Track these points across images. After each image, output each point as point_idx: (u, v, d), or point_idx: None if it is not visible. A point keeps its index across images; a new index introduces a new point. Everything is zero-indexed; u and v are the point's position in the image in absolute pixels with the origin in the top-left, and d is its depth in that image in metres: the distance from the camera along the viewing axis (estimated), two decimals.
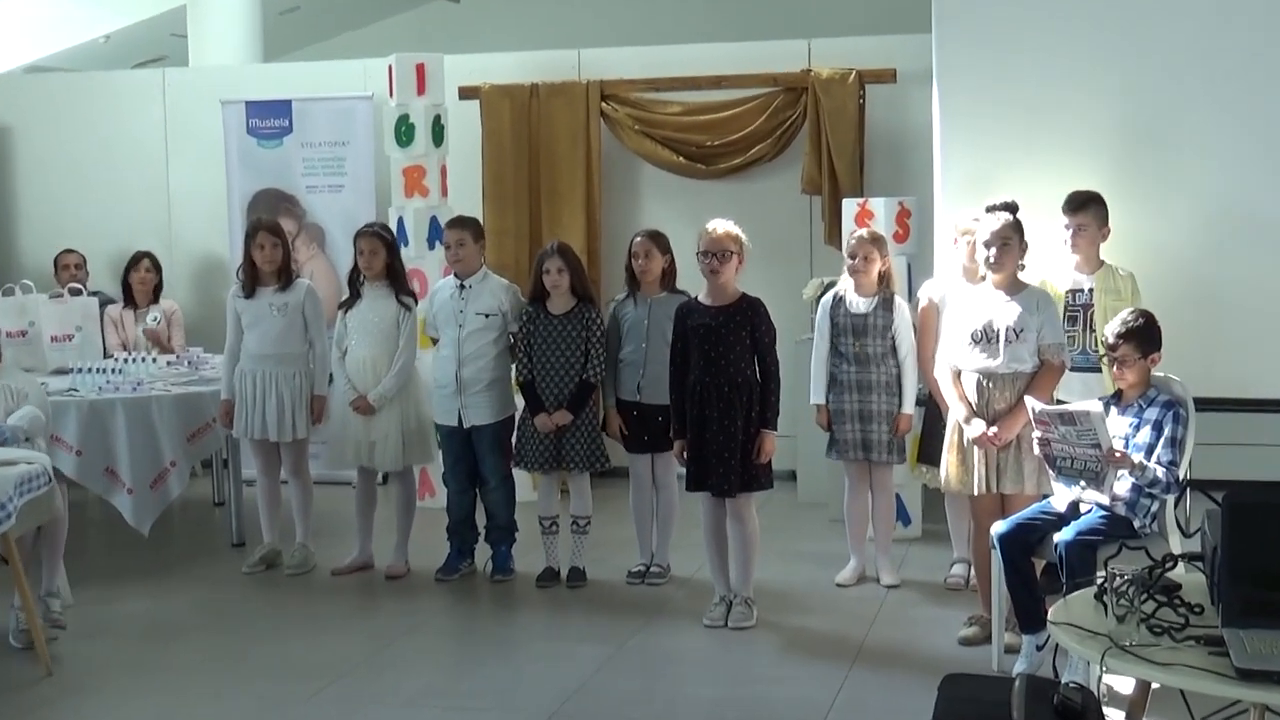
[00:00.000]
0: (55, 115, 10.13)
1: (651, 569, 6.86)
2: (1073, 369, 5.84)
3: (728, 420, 6.02)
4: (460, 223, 6.93)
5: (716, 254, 6.07)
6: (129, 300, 8.97)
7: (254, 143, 9.41)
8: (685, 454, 6.16)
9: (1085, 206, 6.24)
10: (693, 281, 6.78)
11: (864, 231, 6.81)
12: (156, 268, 9.02)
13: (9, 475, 5.59)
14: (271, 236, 7.04)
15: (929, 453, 6.65)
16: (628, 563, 6.94)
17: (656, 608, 6.47)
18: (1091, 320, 6.19)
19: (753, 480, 6.08)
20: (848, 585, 6.72)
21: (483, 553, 7.04)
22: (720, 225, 6.14)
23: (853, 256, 6.61)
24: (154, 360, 7.91)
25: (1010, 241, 5.59)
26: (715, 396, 6.04)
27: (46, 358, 8.07)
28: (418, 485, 8.13)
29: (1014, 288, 5.64)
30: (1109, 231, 6.30)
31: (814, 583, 6.78)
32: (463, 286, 6.83)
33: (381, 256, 6.92)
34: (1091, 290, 6.24)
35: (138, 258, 9.02)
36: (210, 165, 9.59)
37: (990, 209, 5.78)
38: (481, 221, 7.39)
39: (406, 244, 8.55)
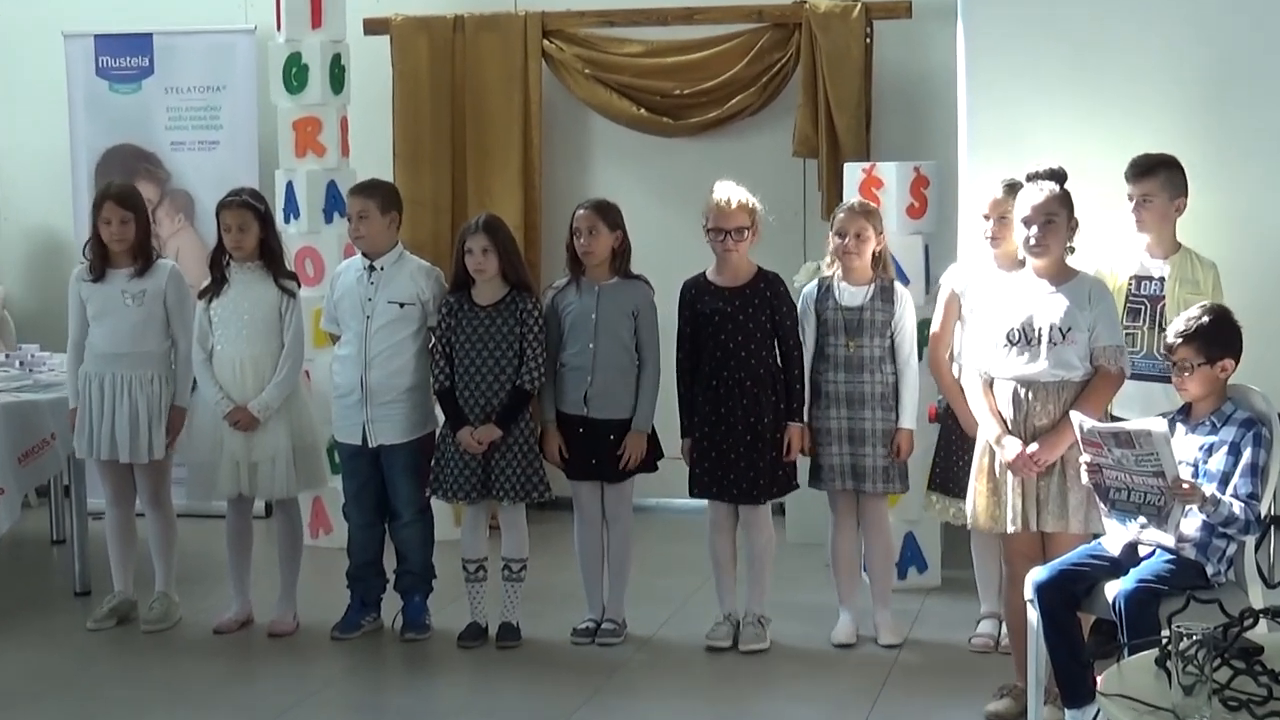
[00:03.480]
0: None
1: (603, 625, 6.86)
2: (1134, 376, 5.86)
3: (753, 418, 6.54)
4: (366, 189, 6.91)
5: (729, 232, 6.48)
6: None
7: (105, 86, 9.36)
8: (692, 455, 6.61)
9: (1152, 172, 6.27)
10: (656, 263, 6.81)
11: (854, 201, 6.88)
12: None
13: None
14: (120, 209, 6.97)
15: (944, 480, 6.71)
16: (573, 618, 6.94)
17: (609, 673, 6.46)
18: (1162, 316, 6.19)
19: (778, 481, 6.62)
20: (848, 645, 6.75)
21: (391, 604, 7.02)
22: (731, 196, 6.52)
23: (841, 235, 6.66)
24: None
25: (1056, 218, 5.60)
26: (737, 393, 6.54)
27: None
28: (309, 519, 8.13)
29: (1060, 276, 5.66)
30: (1184, 205, 6.32)
31: (806, 641, 6.80)
32: (372, 269, 6.81)
33: (253, 232, 6.89)
34: (1163, 280, 6.27)
35: None
36: (49, 115, 9.53)
37: (1031, 178, 5.79)
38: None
39: (297, 215, 8.54)
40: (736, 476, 6.57)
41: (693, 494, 6.74)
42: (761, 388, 6.55)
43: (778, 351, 6.64)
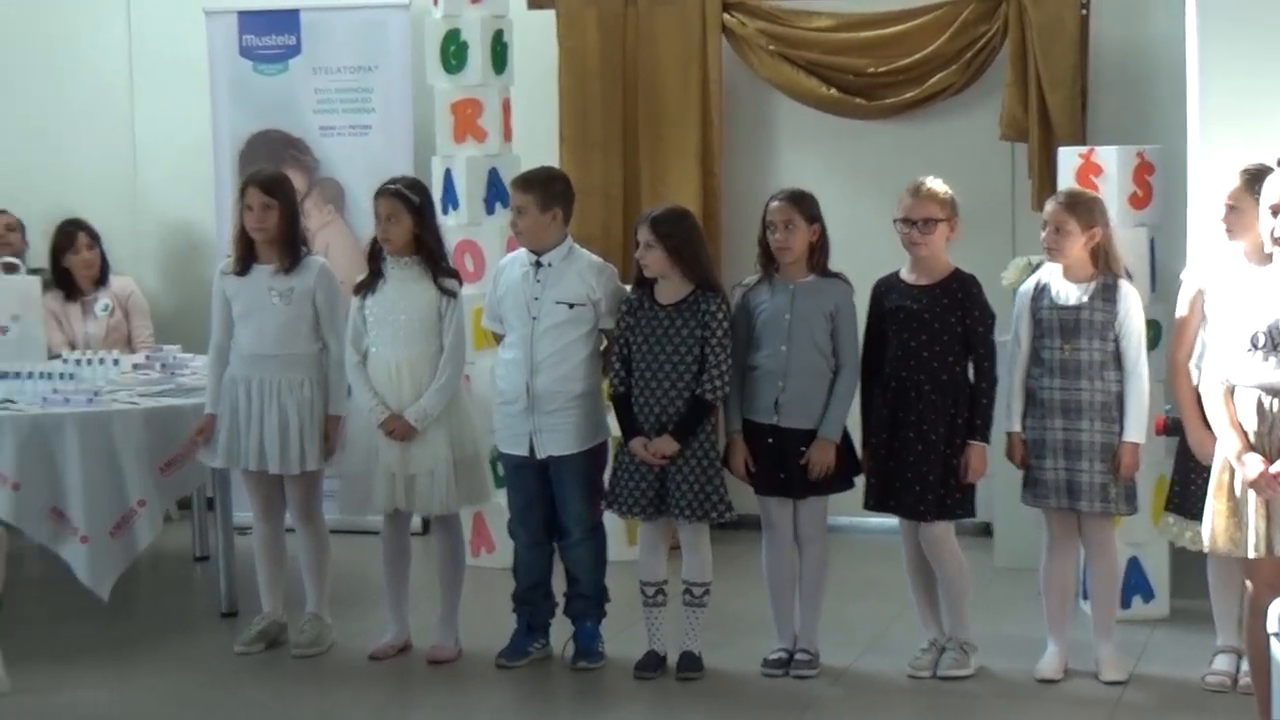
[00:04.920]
0: None
1: (796, 656, 6.85)
2: None
3: (926, 426, 6.54)
4: (525, 184, 6.92)
5: (917, 223, 6.53)
6: (71, 290, 9.07)
7: (249, 67, 9.50)
8: (869, 464, 6.70)
9: None
10: (847, 260, 6.78)
11: (1062, 192, 6.83)
12: (95, 240, 9.16)
13: None
14: (263, 195, 7.06)
15: (1182, 500, 6.62)
16: (759, 647, 6.94)
17: (802, 709, 6.46)
18: None
19: (954, 505, 6.58)
20: (1054, 680, 6.70)
21: (562, 630, 7.06)
22: (923, 184, 6.60)
23: (1043, 228, 6.65)
24: (115, 363, 8.00)
25: None
26: (913, 396, 6.57)
27: None
28: (470, 536, 8.18)
29: None
30: None
31: (1017, 676, 6.76)
32: (539, 265, 6.84)
33: (405, 224, 6.94)
34: None
35: (69, 232, 9.15)
36: (190, 99, 9.69)
37: None
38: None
39: (456, 205, 8.61)
40: (903, 488, 6.61)
41: (866, 505, 6.80)
42: (941, 395, 6.57)
43: (970, 362, 6.64)
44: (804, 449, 6.64)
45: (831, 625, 6.98)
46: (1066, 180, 7.64)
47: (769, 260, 6.76)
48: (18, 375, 7.66)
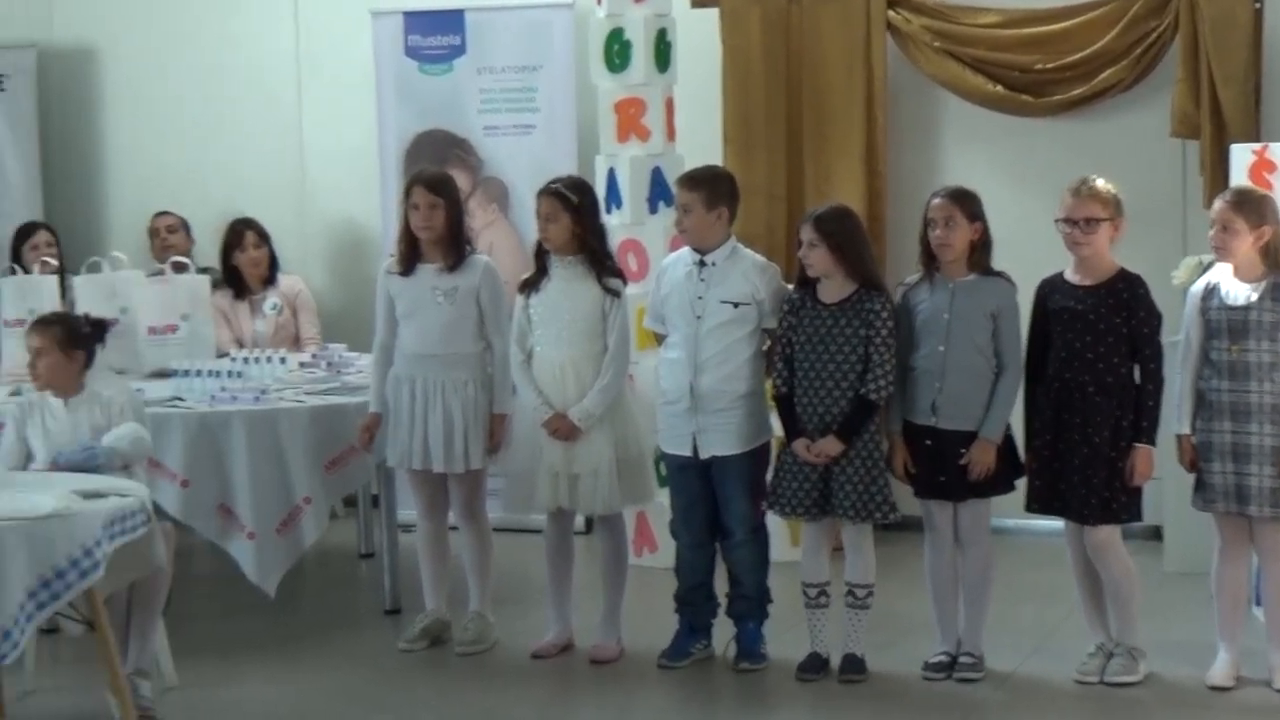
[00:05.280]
0: (154, 34, 10.47)
1: (959, 659, 6.80)
2: None
3: (1090, 429, 6.46)
4: (691, 182, 6.92)
5: (1079, 223, 6.45)
6: (240, 288, 9.20)
7: (414, 67, 9.59)
8: (1031, 465, 6.63)
9: None
10: (1014, 260, 6.71)
11: (1229, 190, 6.73)
12: (264, 239, 9.28)
13: (96, 512, 5.74)
14: (430, 194, 7.11)
15: None
16: (923, 650, 6.89)
17: (965, 713, 6.42)
18: None
19: (1120, 509, 6.48)
20: (1226, 688, 6.58)
21: (724, 630, 7.04)
22: (1085, 184, 6.51)
23: (1211, 226, 6.56)
24: (283, 361, 8.11)
25: None
26: (1078, 398, 6.50)
27: (143, 356, 8.33)
28: (632, 536, 8.19)
29: None
30: None
31: (1181, 683, 6.67)
32: (703, 264, 6.84)
33: (564, 223, 6.95)
34: None
35: (238, 230, 9.29)
36: (356, 99, 9.81)
37: None
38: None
39: (619, 205, 8.63)
40: (1068, 490, 6.54)
41: (1028, 508, 6.74)
42: (1106, 397, 6.49)
43: (1136, 363, 6.55)
44: (963, 450, 6.59)
45: (997, 628, 6.93)
46: (1239, 177, 7.54)
47: (930, 259, 6.72)
48: (187, 373, 7.80)
